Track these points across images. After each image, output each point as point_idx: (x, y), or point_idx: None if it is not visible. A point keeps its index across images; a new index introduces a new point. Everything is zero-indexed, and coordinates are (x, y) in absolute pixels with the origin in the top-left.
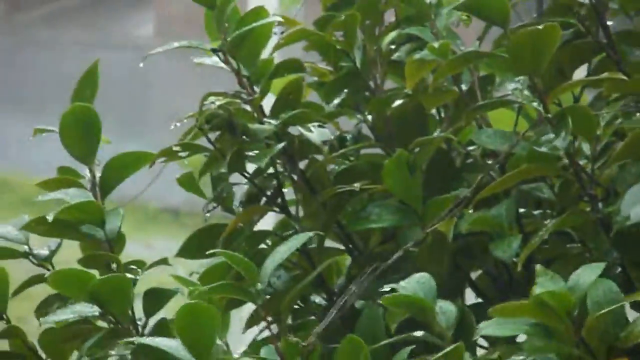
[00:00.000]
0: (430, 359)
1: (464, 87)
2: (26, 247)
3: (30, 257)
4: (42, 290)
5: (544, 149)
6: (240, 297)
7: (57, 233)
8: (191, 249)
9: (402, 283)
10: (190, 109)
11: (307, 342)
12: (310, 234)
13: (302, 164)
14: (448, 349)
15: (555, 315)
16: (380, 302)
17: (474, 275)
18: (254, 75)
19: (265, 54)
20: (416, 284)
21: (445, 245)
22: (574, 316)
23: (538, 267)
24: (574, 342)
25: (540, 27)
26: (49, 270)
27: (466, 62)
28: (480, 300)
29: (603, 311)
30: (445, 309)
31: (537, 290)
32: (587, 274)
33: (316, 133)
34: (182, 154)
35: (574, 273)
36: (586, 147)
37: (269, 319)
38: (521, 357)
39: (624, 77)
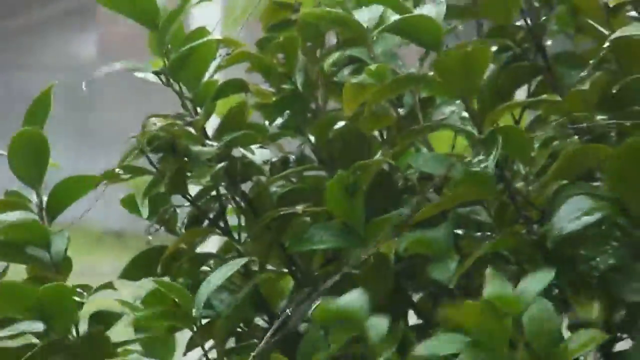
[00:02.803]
0: None
1: (404, 109)
2: None
3: None
4: None
5: (477, 170)
6: (178, 324)
7: (2, 256)
8: (135, 271)
9: (338, 299)
10: (133, 129)
11: None
12: (246, 259)
13: (245, 187)
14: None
15: (503, 320)
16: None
17: (415, 297)
18: (196, 96)
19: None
20: (348, 299)
21: (388, 267)
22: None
23: (488, 270)
24: (510, 354)
25: (469, 48)
26: None
27: (401, 86)
28: (421, 322)
29: (544, 315)
30: (376, 324)
31: (487, 292)
32: (534, 282)
33: (258, 154)
34: (125, 176)
35: (522, 281)
36: (522, 169)
37: (211, 343)
38: None
39: (559, 98)
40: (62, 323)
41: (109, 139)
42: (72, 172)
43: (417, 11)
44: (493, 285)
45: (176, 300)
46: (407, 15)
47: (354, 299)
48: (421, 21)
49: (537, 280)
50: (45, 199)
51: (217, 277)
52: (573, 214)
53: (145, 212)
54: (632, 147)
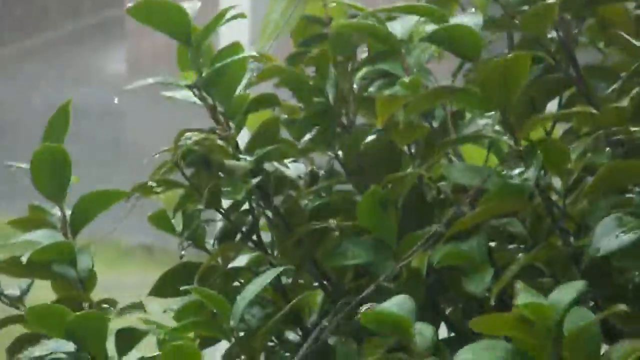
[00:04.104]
0: None
1: (435, 123)
2: None
3: (2, 297)
4: (11, 337)
5: (514, 182)
6: (214, 334)
7: (29, 273)
8: (165, 288)
9: (381, 304)
10: (162, 144)
11: None
12: (280, 268)
13: (277, 201)
14: None
15: (535, 330)
16: (358, 319)
17: (447, 309)
18: (229, 110)
19: (238, 90)
20: (395, 304)
21: (420, 281)
22: (554, 335)
23: (519, 283)
24: None
25: (509, 57)
26: (21, 310)
27: (437, 97)
28: (453, 335)
29: (582, 323)
30: (423, 330)
31: (519, 303)
32: (566, 292)
33: (292, 168)
34: (158, 189)
35: (553, 292)
36: (557, 182)
37: (243, 357)
38: None
39: (594, 111)
40: (94, 346)
41: (139, 150)
42: (102, 183)
43: (453, 21)
44: (525, 296)
45: (212, 312)
46: (447, 24)
47: (400, 303)
48: (462, 30)
49: (570, 290)
50: (68, 213)
51: (253, 288)
52: (610, 233)
53: (178, 226)
54: None
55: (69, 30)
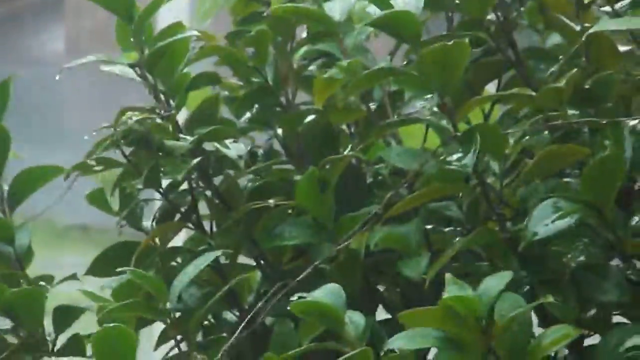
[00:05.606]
0: None
1: (374, 104)
2: None
3: None
4: None
5: (452, 167)
6: (149, 315)
7: None
8: (102, 267)
9: (313, 293)
10: (102, 123)
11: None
12: (219, 252)
13: (217, 181)
14: (354, 352)
15: (464, 322)
16: (289, 308)
17: (385, 291)
18: (170, 89)
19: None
20: (326, 293)
21: (357, 262)
22: (483, 325)
23: (447, 275)
24: (483, 351)
25: (449, 43)
26: None
27: (375, 79)
28: (390, 316)
29: (512, 314)
30: (354, 319)
31: (446, 296)
32: (494, 283)
33: (232, 148)
34: (97, 168)
35: (483, 282)
36: (494, 165)
37: (179, 337)
38: None
39: (532, 93)
40: (31, 321)
41: (77, 132)
42: (41, 162)
43: (394, 3)
44: (452, 289)
45: (149, 292)
46: (389, 11)
47: (331, 292)
48: (402, 16)
49: (498, 280)
50: (6, 188)
51: (190, 270)
52: (547, 218)
53: (115, 205)
54: (609, 159)
55: (4, 11)
